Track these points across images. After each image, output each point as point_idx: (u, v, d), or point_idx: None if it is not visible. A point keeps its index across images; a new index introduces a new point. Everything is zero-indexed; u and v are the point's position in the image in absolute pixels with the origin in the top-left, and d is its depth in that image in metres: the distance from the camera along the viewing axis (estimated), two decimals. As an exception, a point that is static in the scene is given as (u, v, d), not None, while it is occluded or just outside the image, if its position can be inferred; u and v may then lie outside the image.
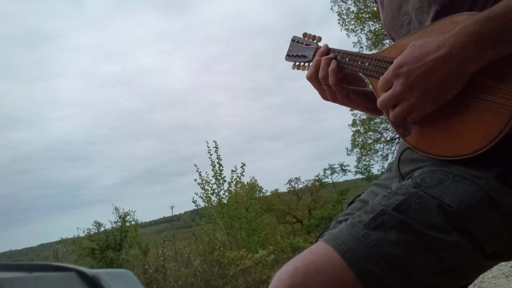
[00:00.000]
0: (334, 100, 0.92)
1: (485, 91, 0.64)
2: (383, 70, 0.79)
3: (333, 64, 0.88)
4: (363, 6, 14.60)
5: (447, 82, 0.64)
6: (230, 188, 8.11)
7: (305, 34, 1.01)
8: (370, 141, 16.41)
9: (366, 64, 0.83)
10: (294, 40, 1.05)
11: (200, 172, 7.66)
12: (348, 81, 0.93)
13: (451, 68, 0.63)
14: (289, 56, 1.06)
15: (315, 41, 0.99)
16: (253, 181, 11.58)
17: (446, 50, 0.63)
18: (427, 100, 0.66)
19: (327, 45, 0.94)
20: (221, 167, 7.67)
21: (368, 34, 14.73)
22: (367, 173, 17.66)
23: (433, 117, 0.69)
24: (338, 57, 0.89)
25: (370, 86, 0.95)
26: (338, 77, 0.88)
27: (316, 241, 0.88)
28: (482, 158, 0.65)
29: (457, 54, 0.62)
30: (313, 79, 0.91)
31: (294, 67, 1.03)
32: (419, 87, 0.65)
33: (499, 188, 0.63)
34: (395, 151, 1.02)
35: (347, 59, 0.88)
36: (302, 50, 1.01)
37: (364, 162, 17.17)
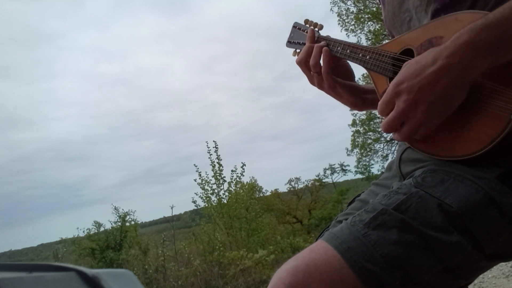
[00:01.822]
0: (320, 88, 0.93)
1: (485, 94, 0.64)
2: (384, 64, 0.78)
3: (325, 52, 0.87)
4: (362, 7, 14.61)
5: (450, 92, 0.63)
6: (230, 188, 8.13)
7: (306, 21, 1.00)
8: (370, 141, 16.41)
9: (367, 57, 0.82)
10: (296, 27, 1.04)
11: (200, 172, 7.68)
12: (339, 73, 0.93)
13: (451, 77, 0.62)
14: (289, 43, 1.05)
15: (317, 29, 0.97)
16: (253, 181, 11.61)
17: (443, 61, 0.62)
18: (433, 113, 0.65)
19: (313, 30, 0.94)
20: (221, 167, 7.69)
21: (368, 34, 14.74)
22: (367, 173, 17.67)
23: None
24: (339, 47, 0.89)
25: (366, 82, 0.94)
26: (330, 67, 0.89)
27: (316, 241, 0.89)
28: (484, 158, 0.65)
29: (455, 63, 0.61)
30: (303, 64, 0.92)
31: (295, 53, 1.02)
32: (423, 102, 0.64)
33: (500, 188, 0.63)
34: (395, 151, 1.02)
35: (348, 51, 0.87)
36: (303, 37, 1.00)
37: (364, 162, 17.19)
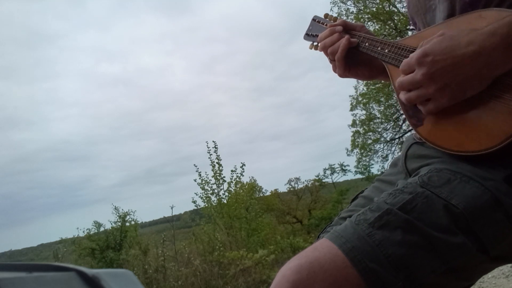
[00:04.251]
0: (334, 71, 0.95)
1: (503, 89, 0.63)
2: (402, 58, 0.77)
3: (345, 41, 0.88)
4: (362, 7, 14.59)
5: (469, 81, 0.63)
6: (230, 188, 8.12)
7: (326, 15, 1.00)
8: (369, 141, 16.39)
9: (386, 50, 0.82)
10: (315, 20, 1.04)
11: (200, 172, 7.67)
12: (360, 60, 0.94)
13: (476, 67, 0.61)
14: (308, 35, 1.05)
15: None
16: (253, 181, 11.59)
17: (475, 48, 0.61)
18: (445, 94, 0.65)
19: (343, 21, 0.94)
20: (220, 167, 7.68)
21: (368, 34, 14.70)
22: (367, 173, 17.63)
23: (447, 110, 0.68)
24: (358, 40, 0.89)
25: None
26: (344, 55, 0.90)
27: (318, 237, 0.88)
28: (491, 159, 0.64)
29: (485, 54, 0.61)
30: (326, 49, 0.94)
31: (311, 46, 1.03)
32: (440, 80, 0.64)
33: (507, 190, 0.62)
34: (395, 151, 1.02)
35: (367, 44, 0.87)
36: (321, 30, 0.99)
37: (364, 163, 17.15)
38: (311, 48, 1.02)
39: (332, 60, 0.93)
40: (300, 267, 0.58)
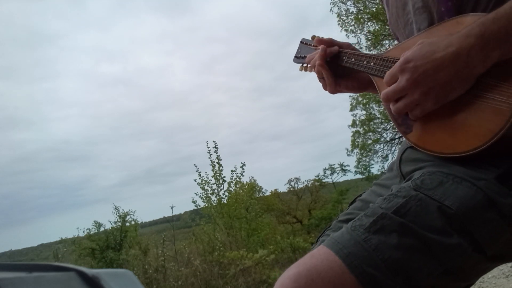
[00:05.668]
0: (325, 88, 0.97)
1: (486, 89, 0.64)
2: (388, 69, 0.79)
3: (319, 61, 0.91)
4: (362, 7, 14.59)
5: (452, 82, 0.64)
6: (230, 188, 8.12)
7: (313, 37, 1.02)
8: (369, 141, 16.39)
9: (372, 63, 0.84)
10: (303, 42, 1.06)
11: (200, 172, 7.68)
12: (349, 76, 0.96)
13: (456, 68, 0.63)
14: (297, 58, 1.07)
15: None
16: (253, 181, 11.59)
17: (454, 50, 0.63)
18: (430, 97, 0.67)
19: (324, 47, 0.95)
20: (220, 167, 7.68)
21: (368, 35, 14.72)
22: (367, 173, 17.63)
23: (434, 115, 0.69)
24: (344, 57, 0.91)
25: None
26: (328, 71, 0.93)
27: (317, 240, 0.89)
28: (482, 159, 0.65)
29: (464, 55, 0.63)
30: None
31: (301, 68, 1.05)
32: (423, 84, 0.66)
33: (499, 189, 0.63)
34: (395, 151, 1.03)
35: (353, 59, 0.89)
36: (310, 52, 1.01)
37: (364, 163, 17.15)
38: (301, 70, 1.05)
39: (320, 78, 0.96)
40: (299, 275, 0.58)
